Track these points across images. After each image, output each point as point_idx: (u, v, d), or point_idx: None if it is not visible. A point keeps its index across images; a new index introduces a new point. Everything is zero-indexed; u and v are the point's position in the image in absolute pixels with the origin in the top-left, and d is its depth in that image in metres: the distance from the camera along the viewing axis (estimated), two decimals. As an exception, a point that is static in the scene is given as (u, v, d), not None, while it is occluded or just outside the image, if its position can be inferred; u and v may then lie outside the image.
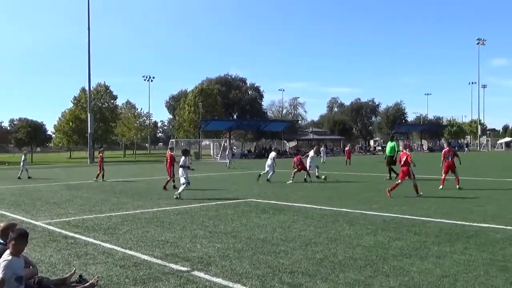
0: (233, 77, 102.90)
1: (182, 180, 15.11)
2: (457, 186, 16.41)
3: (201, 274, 6.21)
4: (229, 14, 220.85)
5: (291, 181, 20.28)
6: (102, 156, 23.95)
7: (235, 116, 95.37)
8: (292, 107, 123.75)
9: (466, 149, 78.10)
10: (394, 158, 21.48)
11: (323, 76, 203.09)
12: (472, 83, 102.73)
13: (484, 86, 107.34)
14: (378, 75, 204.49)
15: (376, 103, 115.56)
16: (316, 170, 23.04)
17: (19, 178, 25.84)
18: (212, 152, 68.69)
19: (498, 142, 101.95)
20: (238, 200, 14.13)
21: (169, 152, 19.78)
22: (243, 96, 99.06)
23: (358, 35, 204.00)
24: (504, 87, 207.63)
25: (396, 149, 22.25)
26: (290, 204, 13.21)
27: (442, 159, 17.28)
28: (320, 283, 5.73)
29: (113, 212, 12.19)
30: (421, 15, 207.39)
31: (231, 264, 6.65)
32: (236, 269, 6.42)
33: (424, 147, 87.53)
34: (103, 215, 11.68)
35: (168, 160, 18.67)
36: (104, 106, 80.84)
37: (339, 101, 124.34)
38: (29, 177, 25.66)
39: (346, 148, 41.75)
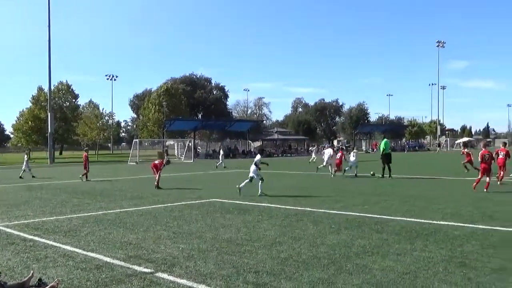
0: (198, 76, 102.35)
1: (252, 175, 15.28)
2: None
3: (165, 276, 6.14)
4: (194, 14, 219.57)
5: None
6: (87, 156, 23.84)
7: (200, 116, 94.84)
8: (257, 107, 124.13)
9: (437, 148, 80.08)
10: (390, 155, 22.42)
11: (288, 76, 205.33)
12: (432, 84, 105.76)
13: (443, 88, 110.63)
14: (341, 76, 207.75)
15: (340, 104, 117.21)
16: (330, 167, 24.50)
17: (20, 177, 25.29)
18: (176, 152, 68.04)
19: (456, 142, 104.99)
20: (202, 201, 14.06)
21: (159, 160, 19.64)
22: (208, 96, 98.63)
23: (322, 36, 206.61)
24: (462, 88, 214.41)
25: (386, 147, 22.73)
26: (255, 204, 13.23)
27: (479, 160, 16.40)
28: (285, 282, 5.76)
29: (74, 213, 11.92)
30: (383, 17, 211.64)
31: (196, 265, 6.61)
32: (200, 269, 6.38)
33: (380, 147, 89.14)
34: (64, 216, 11.40)
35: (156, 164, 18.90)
36: (65, 105, 78.97)
37: (303, 102, 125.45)
38: (20, 177, 25.29)
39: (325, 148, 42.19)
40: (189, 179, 23.84)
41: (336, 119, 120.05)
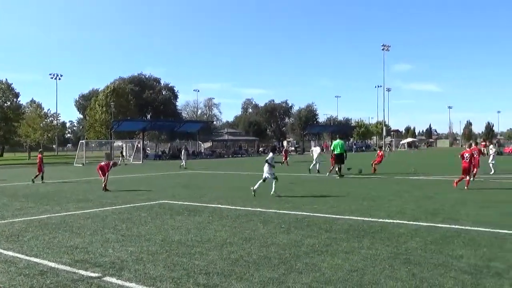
0: (147, 76, 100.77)
1: (267, 175, 14.91)
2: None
3: (113, 280, 6.00)
4: (143, 14, 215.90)
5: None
6: (42, 157, 23.29)
7: (149, 117, 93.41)
8: (207, 108, 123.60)
9: (388, 149, 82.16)
10: (343, 156, 22.77)
11: (238, 77, 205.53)
12: (378, 86, 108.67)
13: (388, 90, 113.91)
14: (290, 78, 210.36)
15: (289, 105, 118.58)
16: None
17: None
18: (124, 153, 66.80)
19: (401, 142, 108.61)
20: (152, 202, 13.85)
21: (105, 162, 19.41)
22: (157, 96, 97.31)
23: (271, 37, 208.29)
24: (406, 90, 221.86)
25: (342, 148, 23.04)
26: (205, 205, 13.17)
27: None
28: (236, 283, 5.77)
29: (17, 217, 11.44)
30: (331, 20, 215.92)
31: (145, 268, 6.50)
32: (150, 272, 6.29)
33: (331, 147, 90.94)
34: (5, 221, 10.93)
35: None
36: (5, 104, 75.76)
37: (253, 103, 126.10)
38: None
39: (284, 148, 42.44)
40: (138, 180, 23.42)
41: (286, 120, 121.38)
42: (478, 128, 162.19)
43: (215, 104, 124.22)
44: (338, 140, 23.81)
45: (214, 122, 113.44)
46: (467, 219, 10.11)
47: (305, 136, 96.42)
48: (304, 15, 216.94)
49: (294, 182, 20.26)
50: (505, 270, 6.15)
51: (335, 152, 23.08)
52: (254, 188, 14.76)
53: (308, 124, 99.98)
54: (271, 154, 15.64)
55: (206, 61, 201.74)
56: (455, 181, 16.79)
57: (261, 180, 14.98)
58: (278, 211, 11.72)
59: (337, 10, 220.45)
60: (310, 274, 6.10)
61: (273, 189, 14.80)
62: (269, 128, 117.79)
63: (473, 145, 18.70)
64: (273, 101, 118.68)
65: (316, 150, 27.07)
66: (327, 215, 10.85)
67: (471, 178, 17.30)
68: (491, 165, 23.64)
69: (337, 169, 22.58)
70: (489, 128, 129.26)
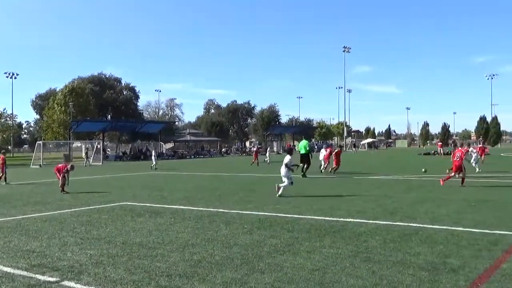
0: (107, 76, 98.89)
1: (285, 180, 14.68)
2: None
3: (72, 284, 5.86)
4: (102, 11, 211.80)
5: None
6: (4, 159, 22.82)
7: (109, 117, 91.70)
8: (169, 108, 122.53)
9: (353, 149, 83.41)
10: (309, 156, 23.26)
11: (200, 77, 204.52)
12: (339, 87, 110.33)
13: (349, 91, 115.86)
14: (252, 79, 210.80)
15: (252, 106, 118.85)
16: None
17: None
18: (83, 154, 65.37)
19: (361, 143, 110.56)
20: (112, 204, 13.60)
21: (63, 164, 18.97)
22: (118, 96, 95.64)
23: (232, 38, 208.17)
24: (366, 92, 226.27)
25: (308, 148, 23.53)
26: (167, 206, 13.04)
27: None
28: (198, 285, 5.73)
29: (-31, 221, 11.02)
30: (293, 21, 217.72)
31: (105, 271, 6.38)
32: (110, 275, 6.17)
33: (296, 148, 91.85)
34: (-43, 225, 10.50)
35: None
36: (-43, 104, 72.92)
37: (216, 103, 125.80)
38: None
39: (254, 149, 42.36)
40: (98, 182, 22.96)
41: (248, 120, 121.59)
42: (435, 128, 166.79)
43: (177, 105, 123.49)
44: (303, 141, 24.42)
45: (176, 123, 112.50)
46: (425, 217, 10.39)
47: (268, 137, 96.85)
48: (265, 16, 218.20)
49: (256, 183, 20.32)
50: (461, 266, 6.35)
51: (301, 152, 23.52)
52: (279, 194, 14.41)
53: (271, 125, 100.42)
54: (288, 157, 15.28)
55: (168, 61, 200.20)
56: (442, 179, 17.39)
57: (286, 184, 14.69)
58: (240, 211, 11.72)
59: (298, 12, 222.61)
60: (272, 274, 6.13)
61: (279, 192, 14.48)
62: (232, 128, 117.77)
63: (459, 147, 19.33)
64: (236, 101, 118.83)
65: (322, 152, 27.48)
66: (289, 215, 10.93)
67: (445, 180, 17.88)
68: (473, 163, 24.06)
69: (302, 169, 22.76)
70: (445, 128, 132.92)
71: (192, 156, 66.46)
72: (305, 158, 23.13)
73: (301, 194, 15.33)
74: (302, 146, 23.85)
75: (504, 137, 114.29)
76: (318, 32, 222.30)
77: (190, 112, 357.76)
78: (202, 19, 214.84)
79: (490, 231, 8.69)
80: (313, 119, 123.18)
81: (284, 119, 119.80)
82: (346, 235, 8.53)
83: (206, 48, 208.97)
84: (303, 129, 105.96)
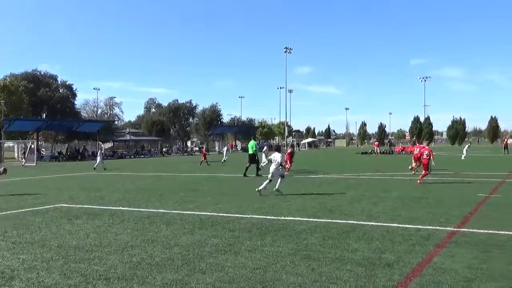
0: (42, 73, 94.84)
1: (274, 177, 14.84)
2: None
3: (2, 290, 5.58)
4: (38, 9, 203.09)
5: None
6: None
7: (44, 116, 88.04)
8: (108, 107, 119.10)
9: (298, 149, 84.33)
10: (255, 156, 23.41)
11: (140, 76, 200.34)
12: (280, 88, 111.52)
13: (290, 91, 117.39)
14: (194, 78, 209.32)
15: (194, 105, 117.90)
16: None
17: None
18: (16, 154, 62.46)
19: (302, 142, 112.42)
20: (47, 206, 13.07)
21: None
22: (54, 94, 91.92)
23: (174, 36, 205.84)
24: (307, 92, 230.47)
25: (255, 148, 23.73)
26: (105, 207, 12.69)
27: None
28: (137, 287, 5.62)
29: None
30: (235, 21, 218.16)
31: (39, 276, 6.11)
32: (44, 281, 5.92)
33: (238, 147, 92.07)
34: None
35: None
36: None
37: (156, 102, 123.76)
38: None
39: (203, 150, 41.81)
40: (32, 183, 21.98)
41: (190, 120, 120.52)
42: (372, 128, 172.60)
43: (116, 103, 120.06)
44: (251, 141, 24.89)
45: (116, 122, 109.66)
46: (362, 214, 10.71)
47: (210, 136, 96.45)
48: (207, 15, 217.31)
49: (200, 182, 20.19)
50: (395, 261, 6.60)
51: (249, 152, 23.96)
52: (277, 188, 14.63)
53: (212, 125, 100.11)
54: (279, 155, 15.35)
55: (106, 58, 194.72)
56: (420, 176, 18.22)
57: (278, 181, 14.81)
58: (182, 212, 11.61)
59: (240, 11, 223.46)
60: (213, 274, 6.11)
61: (277, 186, 14.69)
62: (173, 128, 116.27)
63: (425, 145, 20.35)
64: (177, 100, 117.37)
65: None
66: (230, 215, 10.94)
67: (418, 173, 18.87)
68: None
69: (246, 168, 23.18)
70: (381, 128, 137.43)
71: (132, 156, 65.07)
72: (253, 158, 23.49)
73: (243, 193, 15.38)
74: (250, 146, 24.25)
75: (435, 136, 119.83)
76: (260, 33, 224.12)
77: (130, 111, 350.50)
78: (141, 15, 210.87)
79: (423, 227, 9.08)
80: (254, 119, 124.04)
81: (226, 119, 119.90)
82: (287, 234, 8.64)
83: (146, 46, 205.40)
84: (245, 128, 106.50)
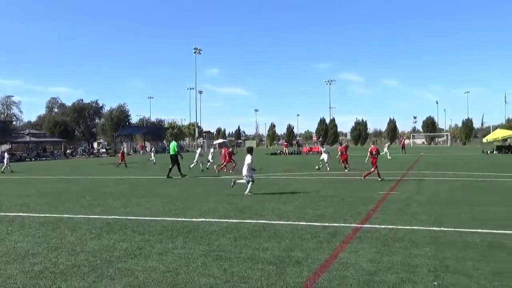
0: None
1: (248, 179, 14.97)
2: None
3: None
4: None
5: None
6: None
7: None
8: (4, 106, 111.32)
9: (211, 149, 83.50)
10: (177, 156, 23.18)
11: (41, 73, 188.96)
12: (190, 88, 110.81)
13: (200, 92, 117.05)
14: (100, 77, 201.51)
15: (100, 105, 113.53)
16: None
17: None
18: None
19: (212, 143, 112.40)
20: None
21: None
22: None
23: (79, 34, 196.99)
24: (217, 93, 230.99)
25: (177, 149, 23.55)
26: (2, 214, 11.84)
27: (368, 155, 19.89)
28: (39, 297, 5.31)
29: None
30: (145, 21, 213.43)
31: None
32: None
33: (147, 149, 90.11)
34: None
35: None
36: None
37: (59, 102, 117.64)
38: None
39: (121, 151, 39.93)
40: None
41: (96, 120, 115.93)
42: (281, 129, 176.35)
43: (14, 103, 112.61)
44: (173, 142, 24.92)
45: (14, 122, 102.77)
46: (272, 214, 10.93)
47: (117, 138, 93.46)
48: (114, 13, 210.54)
49: (108, 185, 19.49)
50: (304, 258, 6.81)
51: (170, 153, 23.75)
52: (247, 192, 14.77)
53: (120, 125, 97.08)
54: (250, 157, 15.49)
55: (3, 54, 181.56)
56: (364, 174, 19.58)
57: (250, 182, 15.01)
58: (88, 216, 11.13)
59: (149, 9, 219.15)
60: (123, 279, 5.94)
61: (248, 189, 14.86)
62: (78, 129, 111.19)
63: (371, 145, 21.62)
64: (82, 100, 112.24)
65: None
66: (140, 218, 10.69)
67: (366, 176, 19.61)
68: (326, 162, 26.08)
69: (169, 170, 23.12)
70: (290, 129, 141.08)
71: (33, 159, 61.39)
72: (174, 159, 23.27)
73: (153, 195, 15.08)
74: (171, 147, 24.12)
75: (340, 137, 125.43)
76: (170, 32, 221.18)
77: (30, 111, 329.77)
78: (42, 9, 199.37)
79: (329, 224, 9.46)
80: (164, 120, 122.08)
81: (134, 119, 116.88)
82: (198, 235, 8.60)
83: (48, 42, 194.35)
84: (155, 129, 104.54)
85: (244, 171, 15.43)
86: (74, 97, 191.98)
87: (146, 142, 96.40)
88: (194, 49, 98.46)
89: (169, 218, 10.57)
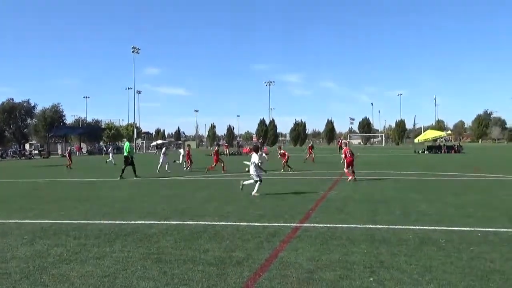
0: None
1: (256, 178, 14.65)
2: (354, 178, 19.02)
3: None
4: None
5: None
6: None
7: None
8: None
9: (156, 150, 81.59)
10: (130, 157, 23.04)
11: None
12: (129, 88, 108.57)
13: (139, 92, 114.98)
14: (33, 75, 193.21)
15: (32, 105, 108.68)
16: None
17: None
18: None
19: (151, 144, 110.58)
20: None
21: None
22: None
23: (12, 32, 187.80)
24: (156, 94, 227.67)
25: (129, 149, 23.32)
26: None
27: (343, 156, 19.84)
28: (-34, 308, 5.02)
29: None
30: (81, 19, 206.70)
31: None
32: None
33: (83, 150, 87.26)
34: None
35: None
36: None
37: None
38: None
39: (67, 151, 37.99)
40: None
41: (28, 121, 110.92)
42: (221, 130, 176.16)
43: None
44: (127, 143, 24.59)
45: None
46: (213, 215, 10.90)
47: (51, 139, 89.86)
48: (49, 10, 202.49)
49: (41, 188, 18.69)
50: (245, 258, 6.85)
51: (124, 154, 23.54)
52: (254, 193, 14.35)
53: (54, 126, 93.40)
54: (256, 155, 15.11)
55: None
56: (347, 172, 19.52)
57: (258, 182, 14.62)
58: (19, 220, 10.63)
59: (85, 10, 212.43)
60: (57, 285, 5.72)
61: (256, 190, 14.49)
62: (8, 130, 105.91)
63: (344, 146, 21.60)
64: (12, 99, 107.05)
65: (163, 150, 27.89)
66: (76, 221, 10.33)
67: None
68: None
69: (122, 170, 22.95)
70: (230, 130, 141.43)
71: (-42, 161, 57.84)
72: (128, 160, 23.13)
73: (89, 198, 14.62)
74: (125, 148, 23.89)
75: (280, 138, 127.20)
76: (107, 31, 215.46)
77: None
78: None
79: (270, 224, 9.56)
80: (101, 120, 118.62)
81: (69, 120, 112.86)
82: (137, 238, 8.44)
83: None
84: (91, 130, 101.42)
85: (251, 170, 15.12)
86: (4, 96, 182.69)
87: (82, 143, 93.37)
88: (132, 48, 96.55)
89: (107, 221, 10.29)
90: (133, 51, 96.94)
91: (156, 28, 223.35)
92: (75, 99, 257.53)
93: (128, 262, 6.76)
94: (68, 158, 35.43)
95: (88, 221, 10.33)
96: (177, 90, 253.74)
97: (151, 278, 5.96)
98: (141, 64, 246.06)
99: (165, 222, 10.06)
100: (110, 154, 41.54)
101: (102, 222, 10.26)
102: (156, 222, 10.09)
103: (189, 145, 31.64)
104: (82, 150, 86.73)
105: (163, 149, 28.77)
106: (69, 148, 46.01)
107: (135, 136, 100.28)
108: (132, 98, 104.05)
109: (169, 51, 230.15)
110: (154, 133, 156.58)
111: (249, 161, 15.24)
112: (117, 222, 10.19)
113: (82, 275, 6.14)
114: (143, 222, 10.12)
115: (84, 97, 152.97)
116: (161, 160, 27.44)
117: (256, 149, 15.86)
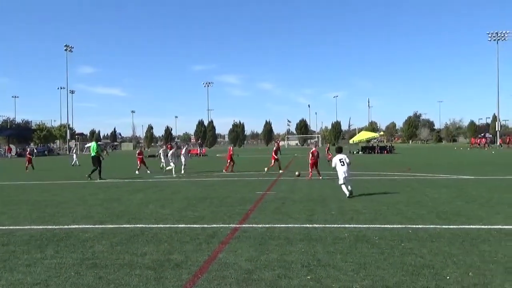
0: None
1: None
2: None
3: None
4: None
5: None
6: None
7: None
8: None
9: (160, 150, 78.71)
10: (100, 158, 22.69)
11: None
12: (61, 88, 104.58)
13: (72, 92, 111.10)
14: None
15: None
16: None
17: None
18: None
19: (85, 146, 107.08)
20: None
21: None
22: None
23: None
24: (91, 94, 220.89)
25: (97, 149, 22.89)
26: None
27: (310, 157, 20.88)
28: None
29: None
30: (7, 17, 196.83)
31: None
32: None
33: (12, 152, 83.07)
34: None
35: None
36: None
37: None
38: None
39: (27, 152, 35.53)
40: None
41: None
42: (159, 131, 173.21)
43: None
44: (93, 143, 24.06)
45: None
46: (150, 217, 10.71)
47: (97, 138, 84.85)
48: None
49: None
50: (184, 261, 6.78)
51: (92, 155, 23.10)
52: (349, 195, 13.71)
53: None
54: (343, 155, 14.68)
55: None
56: (310, 172, 20.57)
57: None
58: None
59: (16, 5, 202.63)
60: (-16, 295, 5.42)
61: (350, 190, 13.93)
62: None
63: (313, 147, 22.36)
64: None
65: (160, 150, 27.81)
66: (4, 227, 9.83)
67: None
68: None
69: (92, 171, 22.55)
70: (168, 131, 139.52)
71: None
72: (96, 161, 22.70)
73: (20, 202, 13.94)
74: (92, 148, 23.41)
75: (218, 139, 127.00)
76: (38, 29, 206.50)
77: None
78: None
79: (208, 226, 9.53)
80: (31, 121, 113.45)
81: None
82: (71, 243, 8.14)
83: None
84: (20, 131, 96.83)
85: (344, 171, 14.13)
86: None
87: (10, 144, 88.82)
88: (65, 46, 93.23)
89: (38, 226, 9.86)
90: (66, 49, 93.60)
91: (91, 27, 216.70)
92: (3, 99, 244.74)
93: (61, 268, 6.51)
94: (27, 159, 33.76)
95: (17, 227, 9.86)
96: (113, 90, 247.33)
97: (86, 284, 5.77)
98: (75, 63, 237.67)
99: (100, 226, 9.78)
100: (74, 156, 39.76)
101: (32, 227, 9.82)
102: (91, 226, 9.78)
103: (141, 147, 31.37)
104: (12, 151, 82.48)
105: (184, 149, 27.83)
106: (27, 150, 43.33)
107: (68, 137, 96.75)
108: (65, 98, 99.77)
109: (105, 50, 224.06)
110: (88, 134, 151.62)
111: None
112: (48, 227, 9.79)
113: (11, 283, 5.85)
114: (77, 226, 9.79)
115: (13, 96, 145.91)
116: (183, 160, 26.34)
117: (340, 150, 15.46)
